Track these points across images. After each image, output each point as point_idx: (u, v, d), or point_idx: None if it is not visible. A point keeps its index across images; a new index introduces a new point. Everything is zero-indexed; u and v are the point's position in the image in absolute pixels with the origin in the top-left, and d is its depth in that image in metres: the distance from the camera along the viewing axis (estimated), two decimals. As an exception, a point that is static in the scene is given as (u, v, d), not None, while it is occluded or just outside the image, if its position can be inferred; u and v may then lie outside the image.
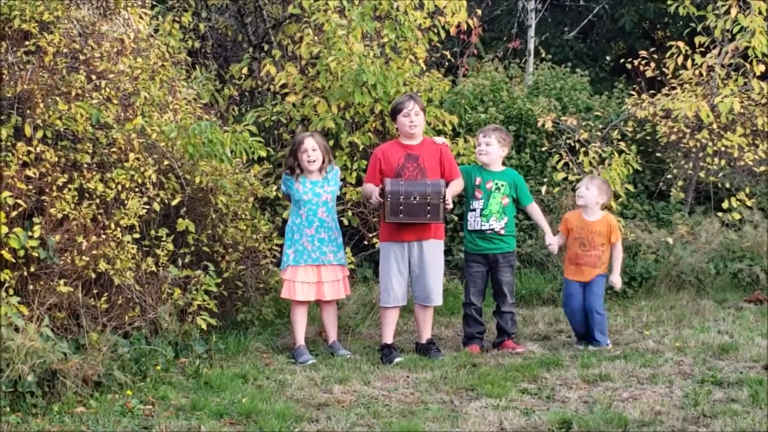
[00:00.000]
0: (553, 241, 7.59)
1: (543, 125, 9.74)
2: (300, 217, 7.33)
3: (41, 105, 6.48)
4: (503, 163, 7.72)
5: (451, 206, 7.24)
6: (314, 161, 7.31)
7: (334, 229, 7.41)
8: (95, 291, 6.55)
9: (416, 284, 7.33)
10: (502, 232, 7.50)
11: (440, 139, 7.54)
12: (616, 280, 7.59)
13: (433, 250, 7.29)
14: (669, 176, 10.32)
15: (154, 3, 9.11)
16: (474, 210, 7.54)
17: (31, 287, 6.23)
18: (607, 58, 14.36)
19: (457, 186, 7.36)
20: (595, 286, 7.42)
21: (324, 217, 7.33)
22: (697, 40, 9.89)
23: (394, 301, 7.30)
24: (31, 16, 6.82)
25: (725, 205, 9.75)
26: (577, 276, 7.47)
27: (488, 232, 7.49)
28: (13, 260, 6.11)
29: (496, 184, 7.52)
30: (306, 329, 7.42)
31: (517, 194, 7.56)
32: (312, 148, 7.32)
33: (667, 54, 9.99)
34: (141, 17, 7.93)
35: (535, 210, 7.70)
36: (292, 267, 7.29)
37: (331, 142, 8.95)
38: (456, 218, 9.40)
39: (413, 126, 7.28)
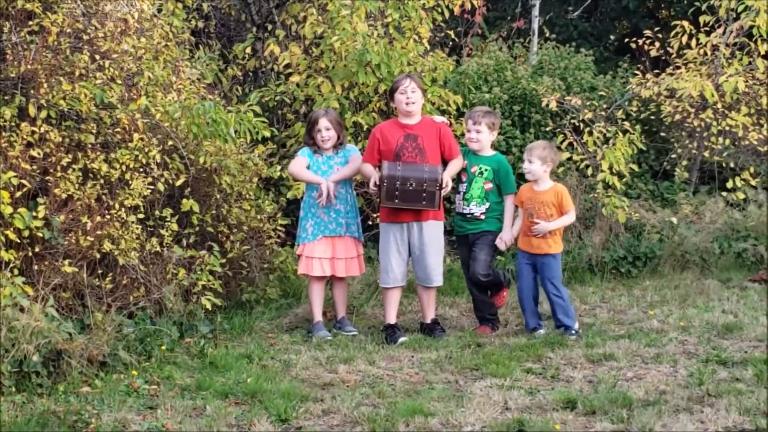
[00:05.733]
0: (503, 240, 7.39)
1: (547, 105, 9.71)
2: (318, 190, 7.35)
3: (45, 85, 6.47)
4: (501, 150, 7.64)
5: (450, 188, 7.22)
6: (328, 140, 7.42)
7: (350, 202, 7.47)
8: (100, 271, 6.56)
9: (417, 265, 7.34)
10: (482, 217, 7.44)
11: (439, 118, 7.53)
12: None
13: (433, 231, 7.29)
14: (673, 156, 10.29)
15: (158, -18, 9.07)
16: (459, 193, 7.52)
17: (35, 267, 6.23)
18: (612, 37, 14.28)
19: (456, 166, 7.33)
20: (546, 269, 7.27)
21: (339, 189, 7.38)
22: (702, 19, 9.84)
23: (393, 281, 7.32)
24: (35, -4, 6.80)
25: (729, 184, 9.72)
26: (526, 246, 7.32)
27: (468, 216, 7.47)
28: (18, 240, 6.11)
29: (480, 168, 7.45)
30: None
31: (500, 181, 7.46)
32: (326, 127, 7.41)
33: (672, 33, 9.94)
34: (144, -3, 7.91)
35: (508, 202, 7.47)
36: (309, 243, 7.35)
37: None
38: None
39: (410, 103, 7.27)
